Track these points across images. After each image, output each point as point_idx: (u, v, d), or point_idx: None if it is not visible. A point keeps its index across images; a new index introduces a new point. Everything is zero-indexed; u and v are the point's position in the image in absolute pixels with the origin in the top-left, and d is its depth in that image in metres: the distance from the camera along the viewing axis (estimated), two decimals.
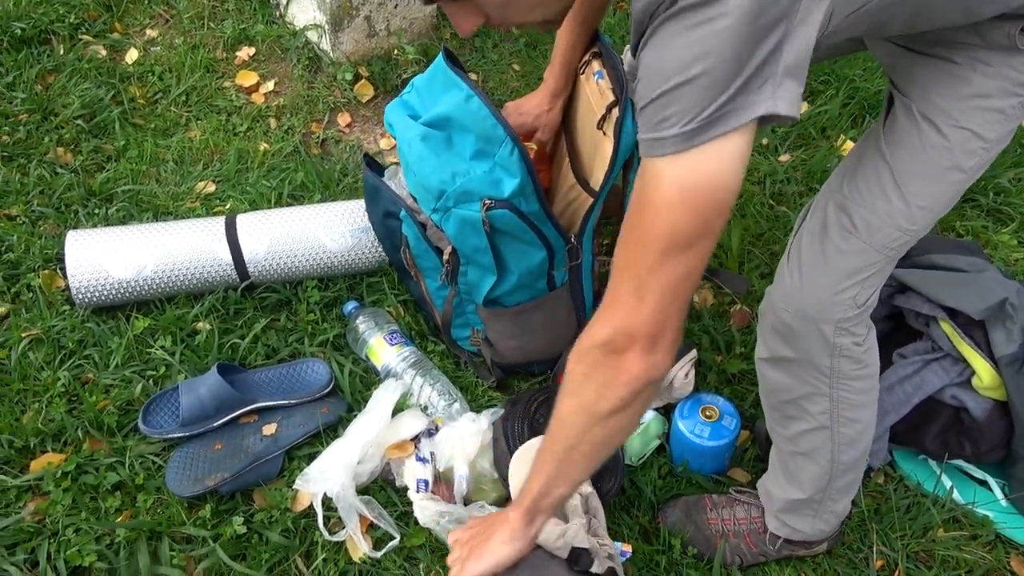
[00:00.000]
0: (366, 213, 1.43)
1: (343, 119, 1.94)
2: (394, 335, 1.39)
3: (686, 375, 1.27)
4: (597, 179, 1.22)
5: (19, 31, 1.85)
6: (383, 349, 1.37)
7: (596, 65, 1.25)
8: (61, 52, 1.88)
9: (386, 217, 1.32)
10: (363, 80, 1.99)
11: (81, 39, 1.94)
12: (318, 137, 1.87)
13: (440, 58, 1.18)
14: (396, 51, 1.98)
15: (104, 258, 1.32)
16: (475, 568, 0.95)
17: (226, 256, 1.38)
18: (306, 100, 1.94)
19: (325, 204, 1.49)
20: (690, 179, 0.70)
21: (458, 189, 1.12)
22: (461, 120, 1.12)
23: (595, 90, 1.25)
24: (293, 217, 1.44)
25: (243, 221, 1.41)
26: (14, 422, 1.21)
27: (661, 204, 0.71)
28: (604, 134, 1.21)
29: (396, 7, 2.01)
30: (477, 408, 1.35)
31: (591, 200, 1.22)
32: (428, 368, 1.36)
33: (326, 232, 1.44)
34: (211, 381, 1.20)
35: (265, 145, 1.81)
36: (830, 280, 0.99)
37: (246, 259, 1.39)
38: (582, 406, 0.83)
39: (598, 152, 1.22)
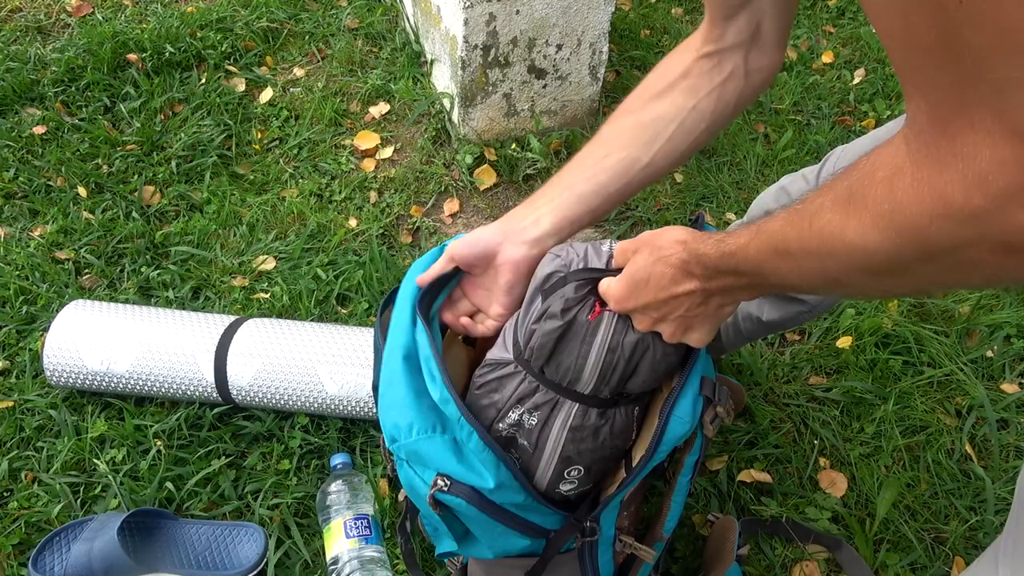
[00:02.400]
0: None
1: (450, 206, 1.68)
2: (360, 523, 1.11)
3: None
4: (637, 454, 0.83)
5: (168, 54, 1.83)
6: (339, 537, 1.10)
7: None
8: (202, 82, 1.83)
9: (375, 391, 1.03)
10: (486, 165, 1.72)
11: (227, 69, 1.88)
12: (414, 223, 1.64)
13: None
14: (514, 144, 1.68)
15: (83, 342, 1.19)
16: None
17: (209, 374, 1.18)
18: (417, 176, 1.71)
19: (342, 328, 1.24)
20: None
21: (411, 445, 0.80)
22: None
23: None
24: (297, 339, 1.21)
25: (243, 333, 1.21)
26: None
27: None
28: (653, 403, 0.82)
29: (545, 87, 1.71)
30: None
31: (623, 476, 0.83)
32: None
33: (328, 368, 1.19)
34: (106, 539, 1.01)
35: (354, 222, 1.61)
36: None
37: (230, 381, 1.19)
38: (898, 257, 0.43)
39: (647, 422, 0.84)
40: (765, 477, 1.27)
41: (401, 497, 0.91)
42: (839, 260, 0.45)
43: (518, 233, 0.78)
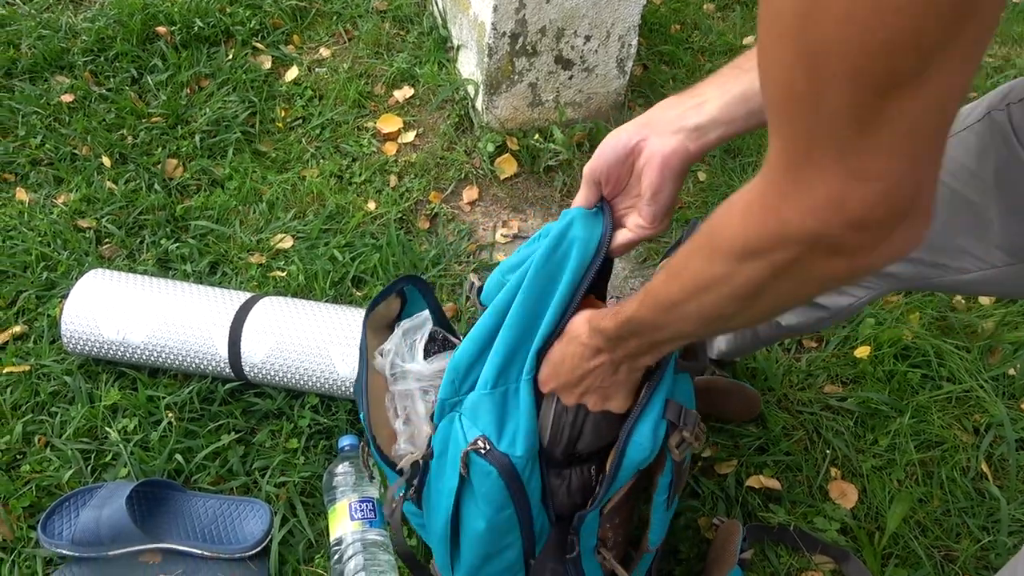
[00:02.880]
0: None
1: (469, 193, 1.67)
2: (364, 505, 1.11)
3: None
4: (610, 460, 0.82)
5: (197, 28, 1.83)
6: (343, 519, 1.10)
7: None
8: (229, 57, 1.83)
9: (358, 395, 1.02)
10: (507, 154, 1.71)
11: (254, 46, 1.88)
12: (432, 208, 1.63)
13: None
14: (537, 135, 1.67)
15: (100, 311, 1.19)
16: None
17: (223, 350, 1.19)
18: (438, 162, 1.70)
19: (356, 311, 1.23)
20: None
21: (479, 398, 0.78)
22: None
23: None
24: (311, 319, 1.21)
25: (258, 310, 1.21)
26: None
27: None
28: None
29: (571, 78, 1.70)
30: None
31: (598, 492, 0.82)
32: (380, 562, 1.06)
33: (341, 350, 1.19)
34: (114, 507, 1.02)
35: (373, 205, 1.60)
36: None
37: (243, 358, 1.19)
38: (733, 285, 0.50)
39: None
40: (774, 484, 1.25)
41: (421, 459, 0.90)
42: (711, 295, 0.51)
43: (669, 122, 0.65)
